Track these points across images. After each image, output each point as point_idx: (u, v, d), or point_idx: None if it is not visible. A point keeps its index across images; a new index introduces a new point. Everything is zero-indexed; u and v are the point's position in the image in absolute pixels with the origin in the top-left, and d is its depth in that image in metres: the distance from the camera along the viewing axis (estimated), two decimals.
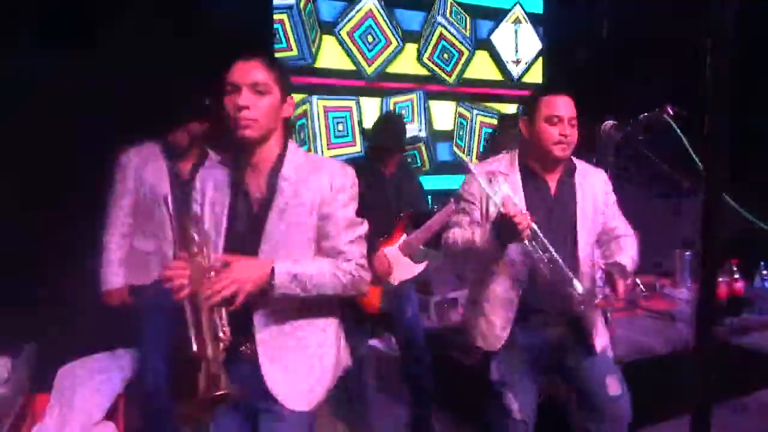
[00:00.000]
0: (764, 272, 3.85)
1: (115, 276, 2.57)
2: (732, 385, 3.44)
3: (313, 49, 4.14)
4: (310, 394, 1.49)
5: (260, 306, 1.44)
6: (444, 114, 4.75)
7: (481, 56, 4.90)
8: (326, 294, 1.48)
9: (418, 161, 4.55)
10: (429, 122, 4.61)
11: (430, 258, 3.41)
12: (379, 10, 4.43)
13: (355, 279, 1.50)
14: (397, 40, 4.49)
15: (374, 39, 4.38)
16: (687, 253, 3.97)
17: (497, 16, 5.00)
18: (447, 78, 4.72)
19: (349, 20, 4.31)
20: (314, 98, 4.12)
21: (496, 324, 1.95)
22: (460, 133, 4.84)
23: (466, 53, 4.80)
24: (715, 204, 0.69)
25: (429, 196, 3.57)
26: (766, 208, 1.62)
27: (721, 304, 3.47)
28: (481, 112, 4.89)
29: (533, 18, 5.19)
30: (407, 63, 4.52)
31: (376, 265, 2.61)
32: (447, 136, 4.76)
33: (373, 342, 3.45)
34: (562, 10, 5.16)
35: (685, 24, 5.40)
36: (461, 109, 4.83)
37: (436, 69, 4.68)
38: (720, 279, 3.63)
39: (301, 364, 1.49)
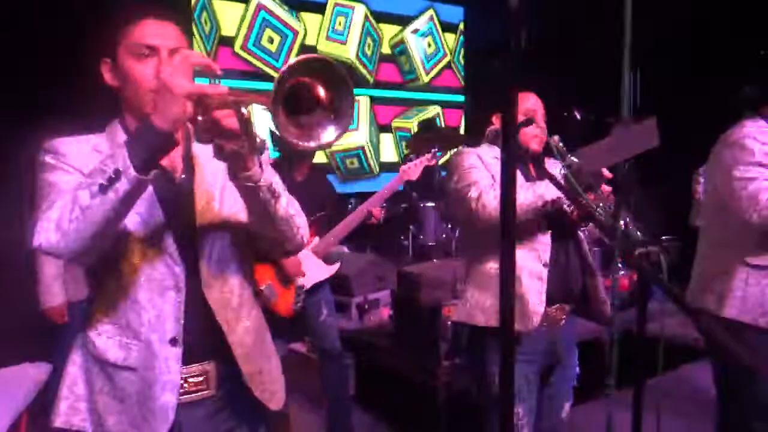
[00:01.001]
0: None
1: (52, 294, 2.53)
2: (639, 371, 3.67)
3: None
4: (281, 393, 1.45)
5: (232, 328, 1.32)
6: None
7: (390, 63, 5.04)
8: (279, 211, 1.25)
9: (365, 166, 4.67)
10: (373, 124, 4.70)
11: (346, 259, 3.47)
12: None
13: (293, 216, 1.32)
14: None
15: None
16: (596, 249, 4.19)
17: (408, 22, 5.13)
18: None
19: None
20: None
21: (530, 299, 1.87)
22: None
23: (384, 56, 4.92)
24: (509, 205, 0.75)
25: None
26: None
27: (624, 295, 3.71)
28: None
29: (451, 27, 5.38)
30: None
31: (287, 266, 2.64)
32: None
33: (294, 345, 3.46)
34: (482, 20, 5.36)
35: (598, 35, 5.77)
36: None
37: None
38: (623, 272, 3.88)
39: (274, 368, 1.45)
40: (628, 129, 1.47)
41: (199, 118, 1.06)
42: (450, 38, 5.32)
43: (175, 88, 1.00)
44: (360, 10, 5.02)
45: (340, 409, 2.94)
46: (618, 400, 3.40)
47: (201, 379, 1.29)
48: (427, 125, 4.50)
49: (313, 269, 2.78)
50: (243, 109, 1.05)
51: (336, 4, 4.91)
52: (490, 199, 1.80)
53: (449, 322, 2.91)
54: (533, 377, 1.96)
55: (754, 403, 2.01)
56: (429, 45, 5.27)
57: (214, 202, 1.32)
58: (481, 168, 1.94)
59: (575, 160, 1.74)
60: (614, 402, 3.39)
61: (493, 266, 1.93)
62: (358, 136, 5.13)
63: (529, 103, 2.01)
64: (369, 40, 4.97)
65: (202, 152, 1.32)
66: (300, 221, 1.34)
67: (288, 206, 1.28)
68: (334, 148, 5.09)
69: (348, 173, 5.26)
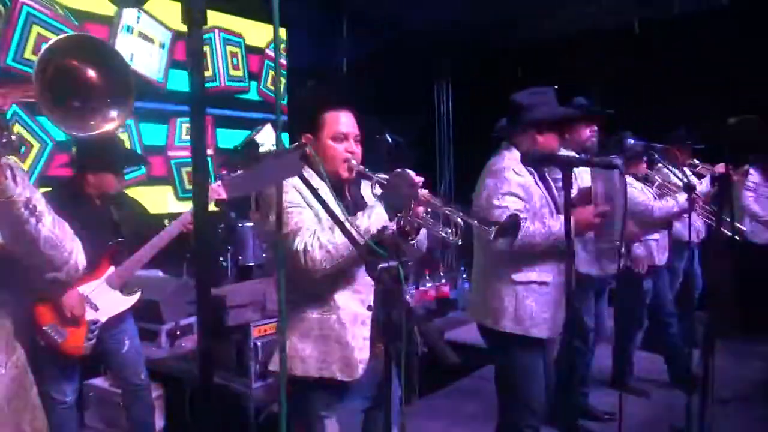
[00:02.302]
0: (464, 275, 4.56)
1: None
2: (446, 375, 4.03)
3: None
4: None
5: None
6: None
7: None
8: (42, 232, 1.17)
9: None
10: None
11: (152, 285, 3.31)
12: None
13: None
14: None
15: None
16: (409, 262, 4.51)
17: None
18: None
19: None
20: None
21: (355, 347, 1.78)
22: None
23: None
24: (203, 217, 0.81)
25: None
26: None
27: (431, 306, 4.04)
28: None
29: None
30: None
31: (65, 305, 2.46)
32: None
33: (95, 381, 3.22)
34: (305, 41, 5.50)
35: (417, 63, 6.25)
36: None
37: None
38: (430, 284, 4.23)
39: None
40: (275, 158, 1.51)
41: None
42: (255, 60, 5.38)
43: None
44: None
45: None
46: (419, 409, 3.69)
47: None
48: (248, 144, 4.48)
49: (108, 302, 2.63)
50: None
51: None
52: (317, 252, 1.66)
53: (259, 343, 2.93)
54: (359, 415, 1.89)
55: (527, 400, 2.28)
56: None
57: None
58: (302, 204, 1.77)
59: (383, 177, 1.75)
60: (416, 411, 3.67)
61: (313, 313, 1.81)
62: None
63: (340, 123, 1.88)
64: None
65: None
66: (73, 246, 1.26)
67: (55, 227, 1.19)
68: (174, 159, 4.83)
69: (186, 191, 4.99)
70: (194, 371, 3.19)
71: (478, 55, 6.25)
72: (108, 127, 0.97)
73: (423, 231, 1.87)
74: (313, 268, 1.67)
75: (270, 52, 5.42)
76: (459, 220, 1.63)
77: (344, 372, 1.77)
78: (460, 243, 1.67)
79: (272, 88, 5.33)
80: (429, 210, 1.72)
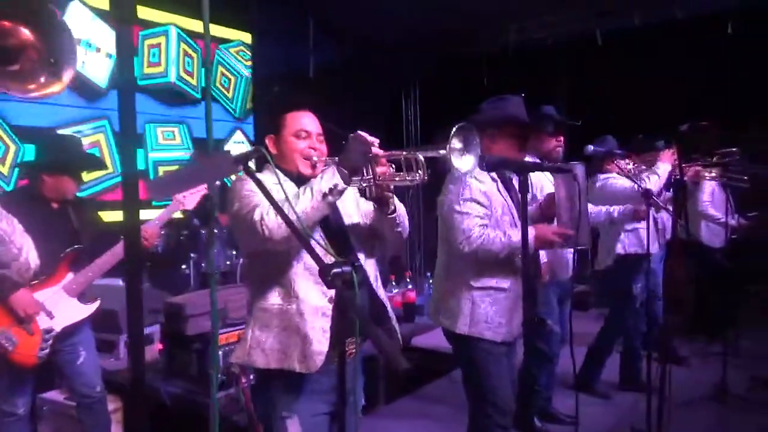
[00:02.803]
0: (431, 281, 4.57)
1: None
2: (413, 380, 4.05)
3: None
4: None
5: None
6: None
7: None
8: None
9: None
10: None
11: (111, 294, 3.22)
12: None
13: None
14: None
15: None
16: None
17: None
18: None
19: None
20: None
21: (313, 338, 1.75)
22: None
23: None
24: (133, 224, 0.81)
25: None
26: None
27: (398, 312, 4.03)
28: None
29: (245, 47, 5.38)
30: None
31: (17, 305, 2.37)
32: None
33: (50, 394, 3.11)
34: (271, 46, 5.47)
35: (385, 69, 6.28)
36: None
37: None
38: (396, 290, 4.23)
39: None
40: (207, 158, 1.49)
41: None
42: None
43: None
44: None
45: None
46: (385, 414, 3.68)
47: None
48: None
49: (64, 309, 2.55)
50: None
51: None
52: (273, 218, 1.65)
53: (221, 352, 2.87)
54: (321, 419, 1.84)
55: (495, 400, 2.32)
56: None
57: None
58: (260, 193, 1.73)
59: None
60: (383, 415, 3.66)
61: (275, 302, 1.79)
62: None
63: (302, 122, 1.89)
64: None
65: None
66: (23, 242, 1.25)
67: (2, 221, 1.19)
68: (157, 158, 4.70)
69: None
70: (154, 383, 3.12)
71: (445, 63, 6.31)
72: (51, 89, 0.94)
73: (403, 211, 1.88)
74: (270, 236, 1.64)
75: (225, 53, 5.29)
76: (421, 157, 1.63)
77: (303, 363, 1.73)
78: (426, 179, 1.66)
79: (220, 87, 5.21)
80: (392, 167, 1.71)
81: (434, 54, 6.24)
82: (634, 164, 3.39)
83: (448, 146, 1.60)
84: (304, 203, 1.64)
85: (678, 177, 2.66)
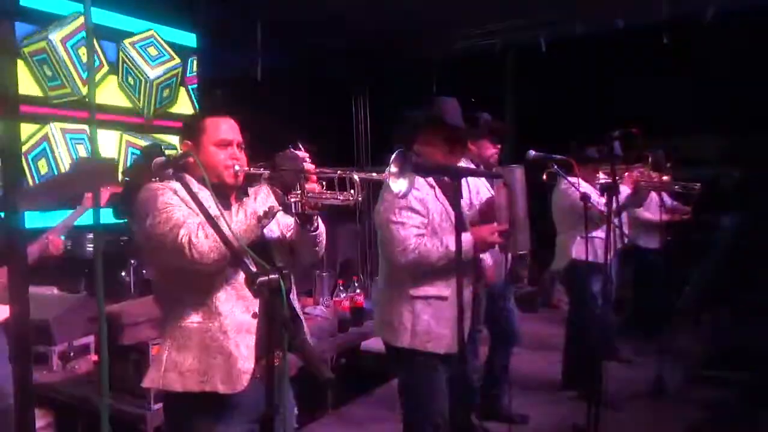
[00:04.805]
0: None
1: None
2: (367, 381, 4.03)
3: None
4: None
5: None
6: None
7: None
8: None
9: None
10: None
11: (41, 303, 3.08)
12: None
13: None
14: None
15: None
16: (324, 273, 4.45)
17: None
18: None
19: None
20: None
21: (239, 357, 1.67)
22: None
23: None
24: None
25: None
26: None
27: (345, 315, 4.00)
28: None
29: (187, 51, 5.21)
30: None
31: None
32: None
33: None
34: (216, 49, 5.35)
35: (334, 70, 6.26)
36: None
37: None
38: (344, 294, 4.19)
39: None
40: (80, 168, 1.43)
41: None
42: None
43: None
44: None
45: None
46: (332, 420, 3.65)
47: None
48: (150, 152, 4.26)
49: None
50: None
51: None
52: (203, 241, 1.54)
53: None
54: None
55: (429, 415, 2.29)
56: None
57: None
58: (180, 204, 1.65)
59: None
60: (329, 422, 3.62)
61: (195, 320, 1.69)
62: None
63: (222, 129, 1.80)
64: None
65: None
66: None
67: None
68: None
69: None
70: (89, 396, 2.99)
71: (395, 67, 6.34)
72: None
73: (323, 230, 1.84)
74: (200, 260, 1.54)
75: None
76: (356, 177, 1.60)
77: (227, 384, 1.64)
78: (360, 200, 1.63)
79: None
80: (323, 184, 1.67)
81: (384, 58, 6.26)
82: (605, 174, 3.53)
83: (387, 171, 1.60)
84: (238, 225, 1.56)
85: (610, 182, 2.75)
